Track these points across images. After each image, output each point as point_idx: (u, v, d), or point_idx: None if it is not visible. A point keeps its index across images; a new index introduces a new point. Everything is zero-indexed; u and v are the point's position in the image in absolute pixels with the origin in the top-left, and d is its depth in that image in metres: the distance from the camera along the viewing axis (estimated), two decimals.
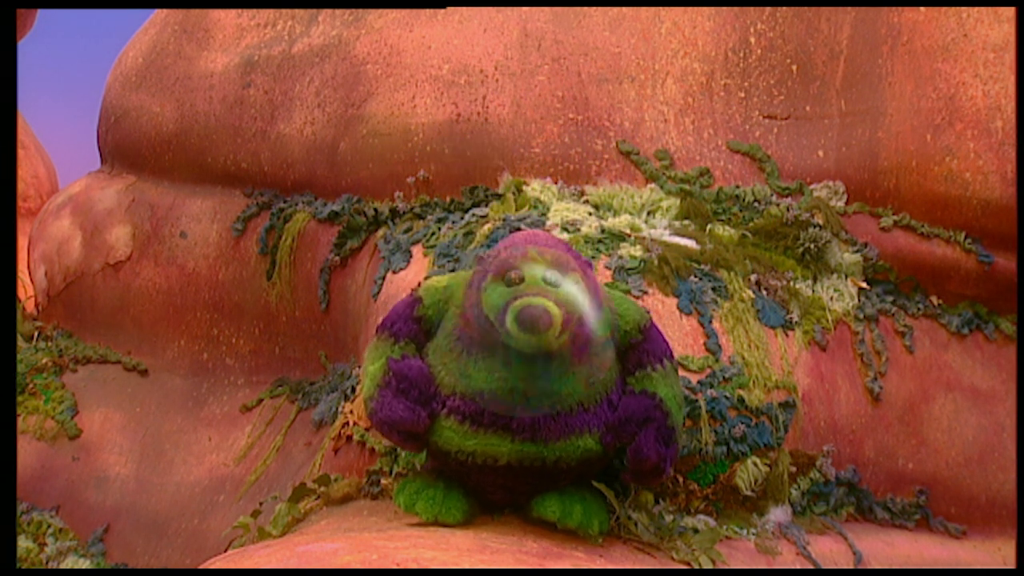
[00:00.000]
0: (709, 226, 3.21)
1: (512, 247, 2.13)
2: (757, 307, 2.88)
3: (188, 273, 4.10)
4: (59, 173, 7.45)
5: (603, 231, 3.05)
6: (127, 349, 4.24)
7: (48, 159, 7.40)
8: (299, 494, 2.79)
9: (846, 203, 3.27)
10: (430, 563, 1.79)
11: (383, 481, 2.74)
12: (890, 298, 3.18)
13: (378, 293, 3.27)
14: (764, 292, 2.95)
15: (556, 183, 3.39)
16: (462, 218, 3.34)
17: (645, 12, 3.58)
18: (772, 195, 3.30)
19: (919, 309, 3.20)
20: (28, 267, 4.70)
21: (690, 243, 3.06)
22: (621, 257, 2.92)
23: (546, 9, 3.61)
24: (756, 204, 3.27)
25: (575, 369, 2.14)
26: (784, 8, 3.48)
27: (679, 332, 2.71)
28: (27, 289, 4.85)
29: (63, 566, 3.57)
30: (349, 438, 2.93)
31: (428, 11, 3.73)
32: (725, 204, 3.29)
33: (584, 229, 3.06)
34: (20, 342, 4.34)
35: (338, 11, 3.95)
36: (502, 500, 2.28)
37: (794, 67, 3.43)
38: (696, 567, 2.27)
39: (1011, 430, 3.12)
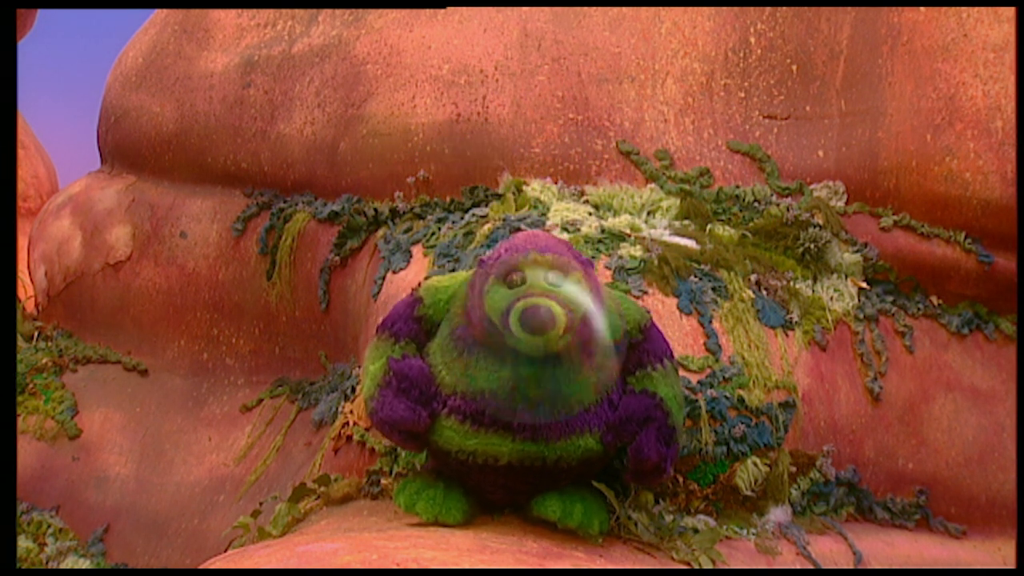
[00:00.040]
0: (709, 226, 3.21)
1: (513, 249, 2.13)
2: (757, 307, 2.88)
3: (188, 273, 4.10)
4: (59, 173, 7.46)
5: (603, 231, 3.05)
6: (127, 349, 4.24)
7: (48, 159, 7.40)
8: (299, 494, 2.79)
9: (846, 203, 3.27)
10: (430, 563, 1.79)
11: (383, 481, 2.74)
12: (890, 298, 3.18)
13: (378, 293, 3.27)
14: (764, 292, 2.95)
15: (556, 183, 3.39)
16: (462, 218, 3.34)
17: (645, 12, 3.58)
18: (772, 195, 3.30)
19: (919, 309, 3.20)
20: (28, 267, 4.70)
21: (690, 243, 3.06)
22: (621, 257, 2.92)
23: (546, 9, 3.61)
24: (756, 204, 3.27)
25: (580, 370, 2.14)
26: (784, 8, 3.48)
27: (679, 332, 2.71)
28: (27, 289, 4.85)
29: (63, 566, 3.57)
30: (349, 438, 2.93)
31: (428, 11, 3.73)
32: (725, 204, 3.29)
33: (584, 229, 3.06)
34: (20, 342, 4.34)
35: (338, 11, 3.95)
36: (502, 500, 2.28)
37: (794, 67, 3.43)
38: (696, 567, 2.27)
39: (1011, 430, 3.11)
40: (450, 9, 3.71)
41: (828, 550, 2.64)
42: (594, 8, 3.59)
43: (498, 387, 2.13)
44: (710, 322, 2.76)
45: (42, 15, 7.41)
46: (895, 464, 2.98)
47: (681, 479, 2.52)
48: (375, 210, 3.58)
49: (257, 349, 4.03)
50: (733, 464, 2.55)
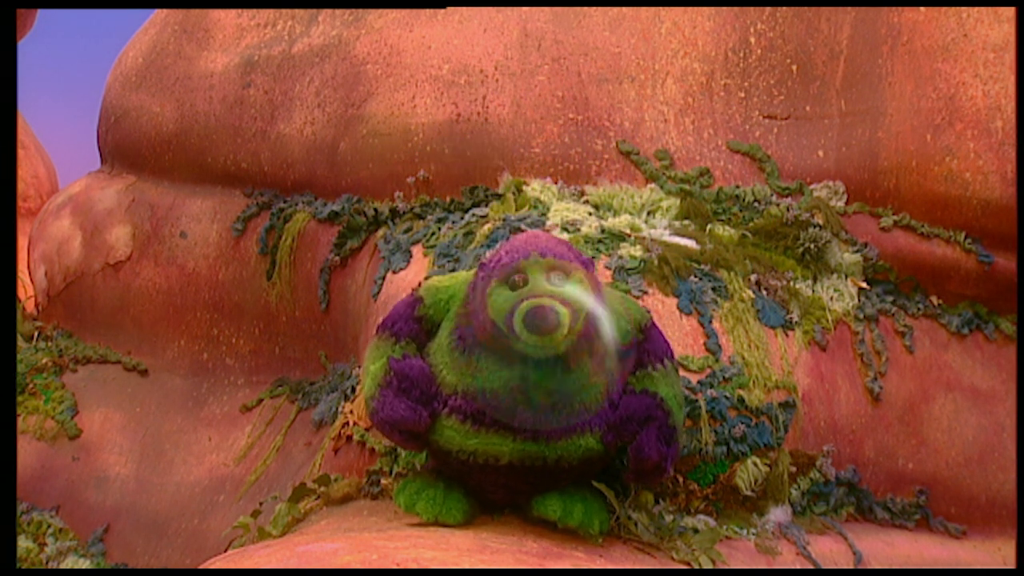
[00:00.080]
0: (709, 226, 3.21)
1: (514, 250, 2.12)
2: (757, 307, 2.88)
3: (188, 273, 4.10)
4: (59, 173, 7.46)
5: (603, 231, 3.05)
6: (127, 349, 4.25)
7: (48, 159, 7.40)
8: (299, 494, 2.79)
9: (846, 203, 3.27)
10: (430, 563, 1.79)
11: (383, 481, 2.74)
12: (890, 298, 3.18)
13: (378, 293, 3.27)
14: (764, 292, 2.95)
15: (556, 183, 3.39)
16: (462, 218, 3.34)
17: (645, 12, 3.58)
18: (772, 195, 3.30)
19: (919, 309, 3.20)
20: (28, 267, 4.70)
21: (690, 243, 3.06)
22: (621, 257, 2.92)
23: (546, 9, 3.61)
24: (756, 204, 3.27)
25: (583, 370, 2.15)
26: (784, 8, 3.48)
27: (679, 332, 2.71)
28: (27, 289, 4.85)
29: (63, 566, 3.57)
30: (349, 438, 2.93)
31: (428, 11, 3.73)
32: (725, 204, 3.29)
33: (584, 229, 3.06)
34: (20, 342, 4.34)
35: (338, 11, 3.95)
36: (503, 500, 2.28)
37: (794, 67, 3.43)
38: (696, 567, 2.27)
39: (1011, 430, 3.11)
40: (450, 9, 3.71)
41: (828, 550, 2.64)
42: (594, 8, 3.59)
43: (499, 387, 2.13)
44: (710, 322, 2.76)
45: (42, 15, 7.41)
46: (895, 464, 2.98)
47: (681, 479, 2.52)
48: (375, 210, 3.58)
49: (257, 349, 4.03)
50: (733, 464, 2.55)
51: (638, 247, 2.96)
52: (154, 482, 3.84)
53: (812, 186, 3.30)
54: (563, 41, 3.55)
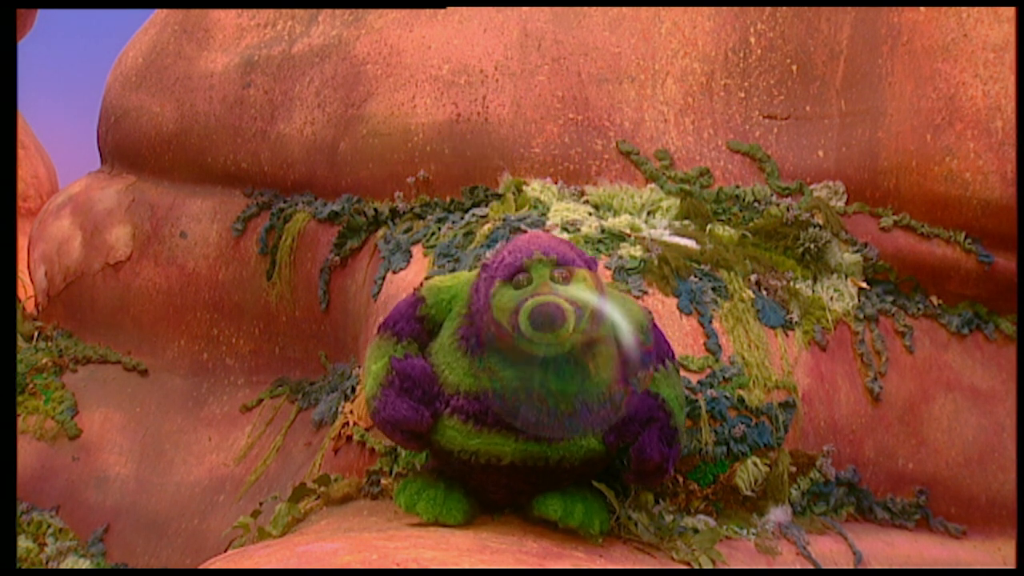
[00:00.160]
0: (709, 226, 3.21)
1: (517, 250, 2.12)
2: (757, 307, 2.88)
3: (188, 273, 4.10)
4: (59, 173, 7.46)
5: (603, 231, 3.05)
6: (127, 349, 4.25)
7: (48, 159, 7.40)
8: (299, 494, 2.79)
9: (846, 203, 3.27)
10: (430, 563, 1.79)
11: (383, 481, 2.74)
12: (890, 298, 3.18)
13: (378, 293, 3.27)
14: (764, 292, 2.95)
15: (556, 183, 3.39)
16: (462, 218, 3.34)
17: (645, 12, 3.58)
18: (772, 195, 3.30)
19: (919, 309, 3.20)
20: (28, 267, 4.70)
21: (690, 243, 3.06)
22: (621, 257, 2.92)
23: (546, 9, 3.61)
24: (756, 204, 3.27)
25: (586, 370, 2.15)
26: (784, 8, 3.48)
27: (679, 332, 2.71)
28: (27, 289, 4.85)
29: (63, 566, 3.57)
30: (349, 438, 2.93)
31: (428, 11, 3.73)
32: (725, 204, 3.29)
33: (584, 229, 3.06)
34: (20, 342, 4.34)
35: (338, 11, 3.95)
36: (504, 500, 2.28)
37: (794, 67, 3.43)
38: (696, 567, 2.27)
39: (1011, 430, 3.11)
40: (450, 9, 3.71)
41: (828, 550, 2.64)
42: (594, 8, 3.59)
43: (502, 387, 2.13)
44: (710, 322, 2.76)
45: (42, 15, 7.42)
46: (895, 464, 2.98)
47: (681, 479, 2.52)
48: (375, 210, 3.58)
49: (257, 349, 4.03)
50: (733, 464, 2.55)
51: (638, 247, 2.96)
52: (154, 482, 3.84)
53: (812, 186, 3.30)
54: (563, 41, 3.55)
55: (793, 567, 2.52)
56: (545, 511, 2.19)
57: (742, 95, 3.46)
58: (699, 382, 2.60)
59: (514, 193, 3.35)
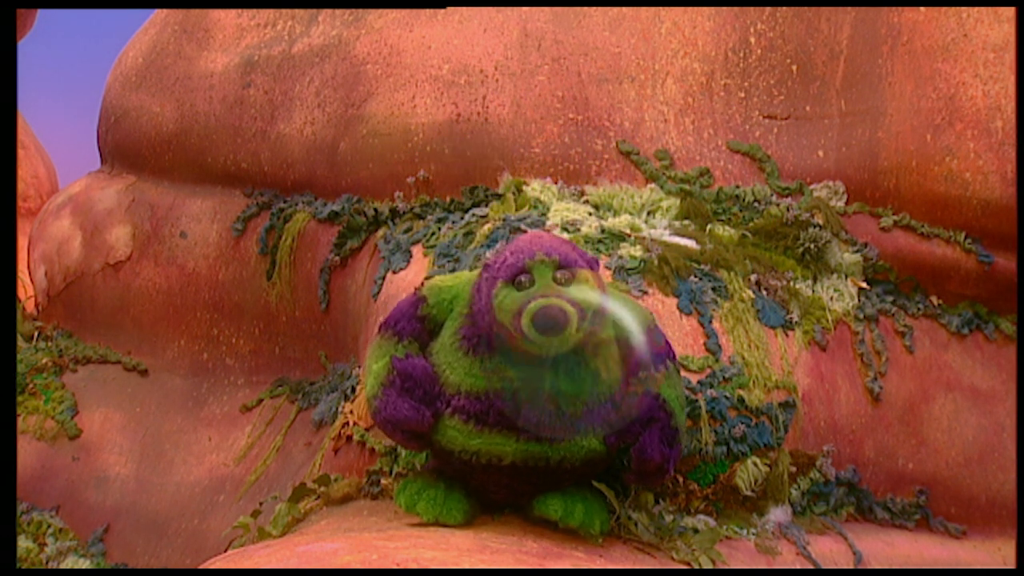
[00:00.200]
0: (709, 226, 3.21)
1: (519, 251, 2.12)
2: (757, 307, 2.88)
3: (188, 273, 4.10)
4: (59, 173, 7.46)
5: (603, 231, 3.05)
6: (127, 349, 4.24)
7: (48, 159, 7.40)
8: (299, 494, 2.79)
9: (846, 203, 3.27)
10: (430, 563, 1.79)
11: (383, 481, 2.74)
12: (890, 298, 3.18)
13: (378, 293, 3.27)
14: (764, 292, 2.95)
15: (556, 183, 3.39)
16: (462, 218, 3.34)
17: (645, 12, 3.58)
18: (772, 195, 3.30)
19: (919, 309, 3.20)
20: (28, 267, 4.70)
21: (690, 243, 3.06)
22: (621, 257, 2.92)
23: (546, 9, 3.61)
24: (756, 204, 3.27)
25: (588, 370, 2.15)
26: (784, 8, 3.48)
27: (679, 332, 2.71)
28: (27, 289, 4.85)
29: (63, 566, 3.57)
30: (349, 438, 2.93)
31: (428, 11, 3.72)
32: (725, 204, 3.29)
33: (584, 229, 3.06)
34: (20, 342, 4.34)
35: (338, 11, 3.95)
36: (505, 500, 2.28)
37: (794, 67, 3.43)
38: (696, 567, 2.27)
39: (1011, 430, 3.11)
40: (450, 9, 3.71)
41: (828, 550, 2.64)
42: (594, 8, 3.59)
43: (504, 387, 2.13)
44: (710, 322, 2.76)
45: (42, 15, 7.42)
46: (895, 464, 2.98)
47: (681, 479, 2.52)
48: (375, 210, 3.58)
49: (257, 349, 4.03)
50: (733, 464, 2.55)
51: (638, 247, 2.96)
52: (154, 482, 3.84)
53: (812, 186, 3.30)
54: (563, 41, 3.55)
55: (793, 567, 2.52)
56: (545, 511, 2.19)
57: (742, 95, 3.46)
58: (699, 382, 2.60)
59: (514, 193, 3.35)
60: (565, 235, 2.99)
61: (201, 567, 2.03)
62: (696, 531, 2.44)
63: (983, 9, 3.23)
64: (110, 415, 4.04)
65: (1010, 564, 2.93)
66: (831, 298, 3.05)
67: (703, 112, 3.47)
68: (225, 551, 2.50)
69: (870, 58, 3.31)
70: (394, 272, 3.26)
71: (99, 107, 4.55)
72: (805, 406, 2.76)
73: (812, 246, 3.11)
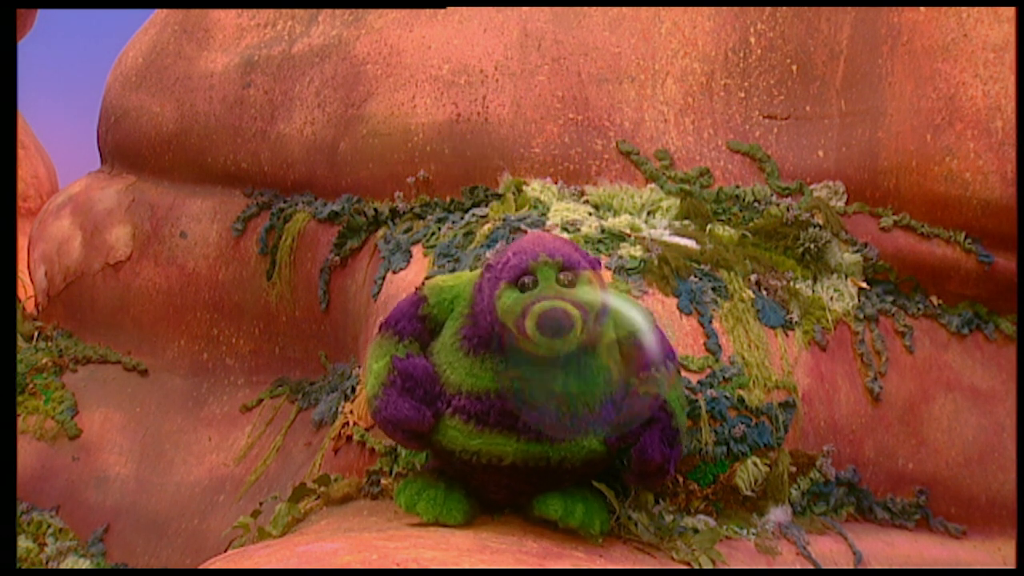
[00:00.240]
0: (709, 226, 3.21)
1: (521, 252, 2.12)
2: (757, 307, 2.88)
3: (188, 273, 4.10)
4: (59, 173, 7.46)
5: (603, 231, 3.05)
6: (127, 349, 4.24)
7: (48, 159, 7.40)
8: (299, 494, 2.79)
9: (846, 203, 3.27)
10: (430, 563, 1.79)
11: (383, 481, 2.74)
12: (890, 298, 3.18)
13: (378, 293, 3.27)
14: (764, 292, 2.95)
15: (556, 183, 3.39)
16: (462, 218, 3.34)
17: (645, 12, 3.58)
18: (772, 195, 3.30)
19: (919, 309, 3.20)
20: (28, 267, 4.70)
21: (690, 243, 3.06)
22: (621, 257, 2.92)
23: (546, 9, 3.61)
24: (756, 204, 3.27)
25: (589, 371, 2.15)
26: (784, 8, 3.48)
27: (679, 332, 2.71)
28: (27, 289, 4.85)
29: (63, 566, 3.57)
30: (349, 438, 2.93)
31: (428, 11, 3.73)
32: (725, 204, 3.29)
33: (584, 229, 3.06)
34: (20, 342, 4.34)
35: (338, 11, 3.95)
36: (505, 500, 2.28)
37: (794, 67, 3.43)
38: (696, 567, 2.27)
39: (1011, 430, 3.11)
40: (450, 9, 3.71)
41: (828, 550, 2.64)
42: (594, 8, 3.59)
43: (505, 388, 2.13)
44: (710, 322, 2.76)
45: (42, 15, 7.42)
46: (895, 464, 2.98)
47: (681, 479, 2.52)
48: (375, 210, 3.58)
49: (257, 349, 4.03)
50: (733, 464, 2.55)
51: (638, 247, 2.96)
52: (154, 482, 3.84)
53: (812, 186, 3.30)
54: (563, 41, 3.55)
55: (793, 567, 2.52)
56: (545, 511, 2.19)
57: (742, 95, 3.46)
58: (699, 382, 2.60)
59: (514, 193, 3.35)
60: (565, 235, 2.99)
61: (201, 567, 2.03)
62: (696, 531, 2.44)
63: (983, 9, 3.23)
64: (110, 415, 4.04)
65: (1010, 564, 2.93)
66: (831, 298, 3.05)
67: (703, 112, 3.47)
68: (225, 551, 2.50)
69: (870, 58, 3.31)
70: (394, 272, 3.26)
71: (99, 107, 4.55)
72: (805, 406, 2.76)
73: (812, 246, 3.11)
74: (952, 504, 3.04)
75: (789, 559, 2.53)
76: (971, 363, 3.18)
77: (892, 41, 3.30)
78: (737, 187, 3.32)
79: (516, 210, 3.27)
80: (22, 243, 4.97)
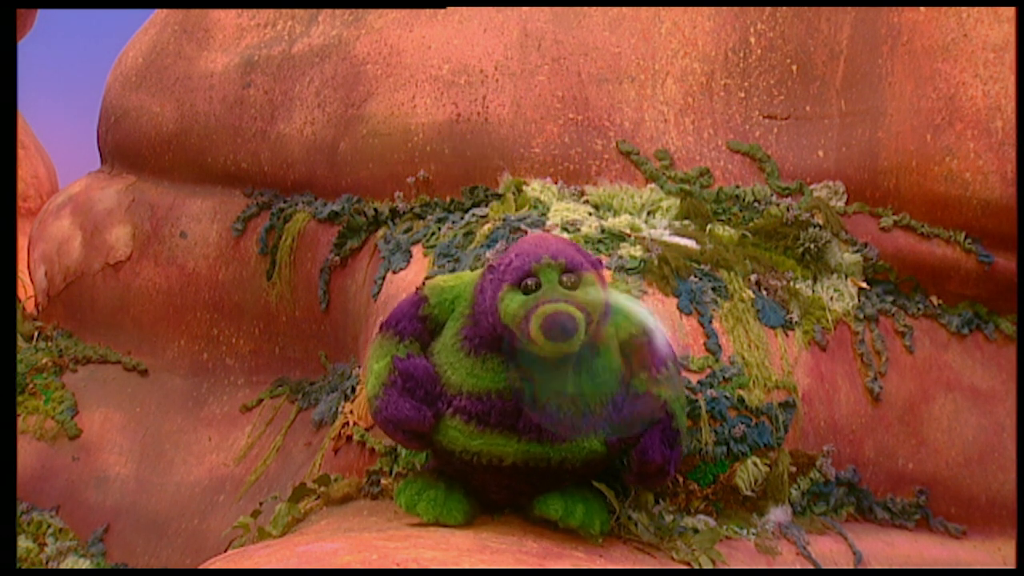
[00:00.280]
0: (709, 226, 3.21)
1: (524, 253, 2.12)
2: (757, 307, 2.88)
3: (188, 273, 4.10)
4: (59, 173, 7.46)
5: (603, 231, 3.05)
6: (127, 349, 4.24)
7: (48, 159, 7.40)
8: (299, 494, 2.79)
9: (846, 203, 3.27)
10: (430, 563, 1.79)
11: (383, 481, 2.74)
12: (890, 298, 3.18)
13: (378, 293, 3.27)
14: (764, 292, 2.95)
15: (556, 183, 3.39)
16: (462, 218, 3.35)
17: (645, 12, 3.58)
18: (772, 195, 3.30)
19: (919, 309, 3.20)
20: (28, 267, 4.70)
21: (690, 243, 3.06)
22: (621, 257, 2.92)
23: (546, 9, 3.61)
24: (756, 204, 3.27)
25: (590, 371, 2.15)
26: (784, 8, 3.48)
27: (679, 332, 2.71)
28: (27, 289, 4.85)
29: (63, 566, 3.57)
30: (349, 438, 2.93)
31: (428, 11, 3.73)
32: (725, 204, 3.29)
33: (584, 229, 3.06)
34: (20, 342, 4.34)
35: (338, 11, 3.95)
36: (505, 500, 2.28)
37: (794, 67, 3.43)
38: (696, 567, 2.27)
39: (1011, 430, 3.12)
40: (450, 9, 3.71)
41: (828, 550, 2.64)
42: (594, 8, 3.59)
43: (505, 388, 2.13)
44: (710, 322, 2.76)
45: (42, 15, 7.42)
46: (895, 464, 2.98)
47: (681, 479, 2.52)
48: (375, 210, 3.58)
49: (257, 349, 4.03)
50: (733, 464, 2.55)
51: (638, 247, 2.96)
52: (154, 482, 3.84)
53: (812, 186, 3.30)
54: (563, 41, 3.55)
55: (793, 567, 2.52)
56: (546, 511, 2.19)
57: (742, 95, 3.46)
58: (699, 382, 2.60)
59: (514, 193, 3.35)
60: (565, 235, 2.99)
61: (201, 567, 2.03)
62: (696, 531, 2.44)
63: (983, 9, 3.23)
64: (110, 415, 4.04)
65: (1010, 564, 2.93)
66: (831, 298, 3.05)
67: (703, 112, 3.47)
68: (225, 551, 2.50)
69: (870, 58, 3.31)
70: (394, 272, 3.26)
71: (99, 107, 4.55)
72: (805, 406, 2.76)
73: (812, 246, 3.11)
74: (952, 504, 3.04)
75: (789, 559, 2.53)
76: (971, 363, 3.18)
77: (892, 41, 3.30)
78: (737, 187, 3.32)
79: (516, 210, 3.27)
80: (22, 243, 4.97)
